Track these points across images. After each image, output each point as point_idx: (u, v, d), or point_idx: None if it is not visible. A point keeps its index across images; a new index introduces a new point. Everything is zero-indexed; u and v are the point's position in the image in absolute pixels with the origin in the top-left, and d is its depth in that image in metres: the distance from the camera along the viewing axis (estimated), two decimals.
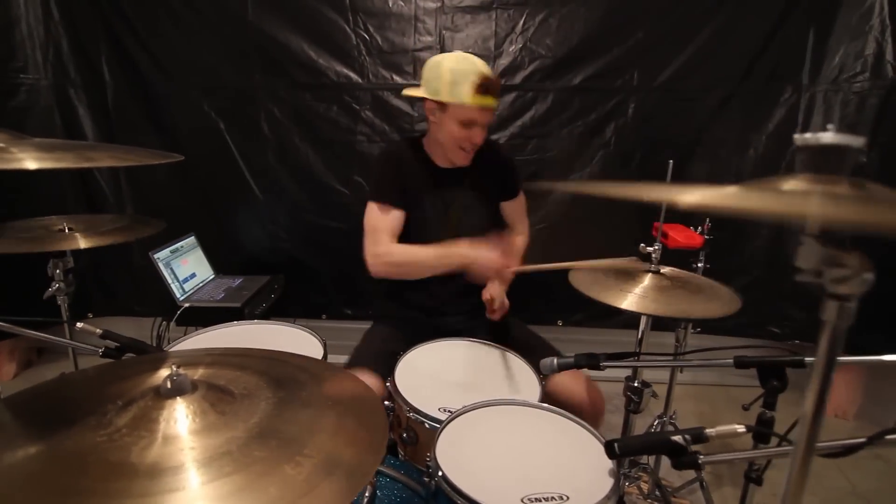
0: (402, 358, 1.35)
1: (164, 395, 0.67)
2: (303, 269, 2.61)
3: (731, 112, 2.36)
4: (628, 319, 2.48)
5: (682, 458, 0.80)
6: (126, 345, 1.07)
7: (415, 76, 2.38)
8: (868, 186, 0.45)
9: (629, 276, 1.25)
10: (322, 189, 2.51)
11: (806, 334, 2.48)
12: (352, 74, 2.39)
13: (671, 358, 1.42)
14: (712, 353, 1.02)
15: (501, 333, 1.51)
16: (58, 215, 1.58)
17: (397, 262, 1.46)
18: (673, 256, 1.45)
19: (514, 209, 1.67)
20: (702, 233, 1.64)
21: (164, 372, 0.76)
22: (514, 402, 1.13)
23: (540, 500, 0.86)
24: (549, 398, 1.23)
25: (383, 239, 1.45)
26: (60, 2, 2.33)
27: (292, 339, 1.46)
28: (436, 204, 1.54)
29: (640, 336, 1.35)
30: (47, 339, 1.06)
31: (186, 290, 2.20)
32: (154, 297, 2.27)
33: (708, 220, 1.68)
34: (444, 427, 1.02)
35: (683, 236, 1.59)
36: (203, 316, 2.08)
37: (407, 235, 1.57)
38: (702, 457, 0.79)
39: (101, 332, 1.07)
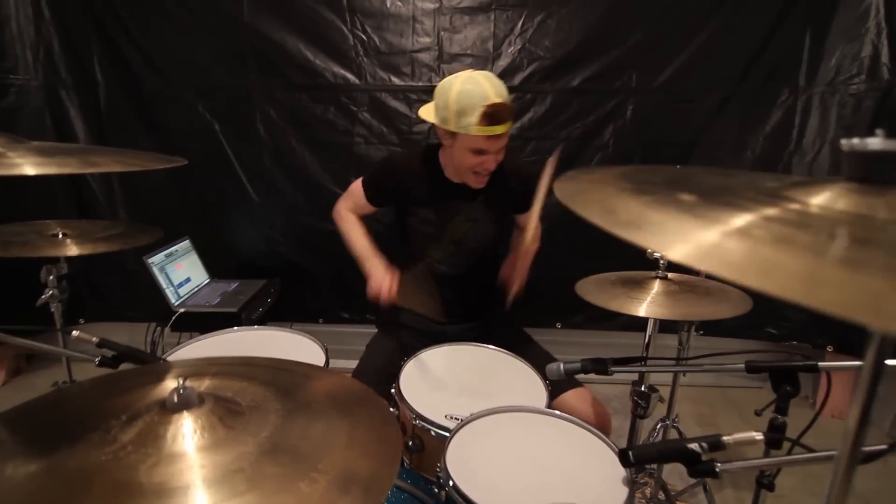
0: (406, 364, 1.33)
1: (170, 409, 0.64)
2: (299, 273, 2.57)
3: (729, 114, 2.36)
4: (627, 322, 2.48)
5: (698, 466, 0.79)
6: (123, 353, 1.04)
7: (413, 77, 2.37)
8: None
9: (638, 284, 1.24)
10: (319, 191, 2.48)
11: (803, 335, 2.49)
12: (349, 75, 2.36)
13: (679, 362, 1.41)
14: (723, 358, 1.01)
15: (502, 338, 1.49)
16: (50, 220, 1.54)
17: (339, 226, 1.64)
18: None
19: (528, 220, 1.64)
20: None
21: (168, 384, 0.74)
22: (522, 408, 1.12)
23: None
24: None
25: (347, 205, 1.65)
26: (51, 1, 2.29)
27: (293, 345, 1.44)
28: (437, 214, 1.52)
29: (646, 340, 1.34)
30: (41, 347, 1.03)
31: (181, 295, 2.17)
32: (148, 303, 2.23)
33: None
34: (453, 435, 1.00)
35: None
36: (199, 321, 2.05)
37: (406, 237, 1.56)
38: (718, 465, 0.77)
39: (97, 340, 1.03)
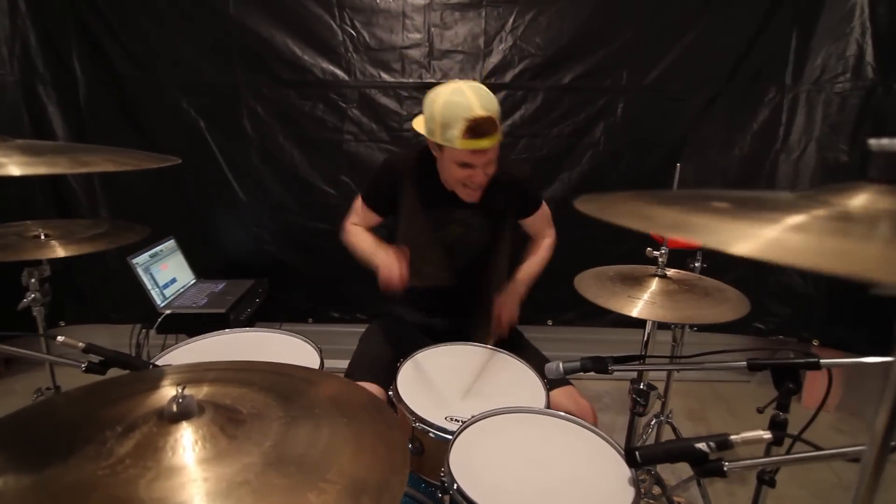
0: (403, 365, 1.31)
1: (168, 418, 0.61)
2: (288, 272, 2.54)
3: (718, 112, 2.38)
4: (618, 318, 2.49)
5: (706, 465, 0.79)
6: (111, 359, 1.01)
7: (403, 74, 2.34)
8: None
9: (636, 282, 1.24)
10: (308, 189, 2.44)
11: (789, 330, 2.54)
12: (338, 72, 2.32)
13: (673, 360, 1.41)
14: (724, 356, 1.01)
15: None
16: (31, 220, 1.48)
17: (348, 241, 1.58)
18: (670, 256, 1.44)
19: (536, 222, 1.62)
20: None
21: (164, 392, 0.71)
22: (523, 409, 1.11)
23: None
24: None
25: (354, 219, 1.61)
26: None
27: (286, 347, 1.40)
28: (433, 219, 1.50)
29: (645, 339, 1.34)
30: (25, 353, 0.99)
31: (167, 296, 2.11)
32: (131, 304, 2.18)
33: None
34: (455, 438, 0.99)
35: None
36: (186, 323, 2.00)
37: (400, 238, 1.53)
38: (727, 464, 0.77)
39: (83, 345, 1.00)
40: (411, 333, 1.56)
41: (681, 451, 0.81)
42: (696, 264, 1.67)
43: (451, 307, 1.59)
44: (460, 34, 2.31)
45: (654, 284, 1.23)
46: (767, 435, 0.76)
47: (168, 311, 2.02)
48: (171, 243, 2.28)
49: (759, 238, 0.42)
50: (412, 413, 1.12)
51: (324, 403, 0.76)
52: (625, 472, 0.91)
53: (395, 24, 2.29)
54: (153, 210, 2.41)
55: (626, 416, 1.45)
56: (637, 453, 0.82)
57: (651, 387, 1.26)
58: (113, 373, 0.98)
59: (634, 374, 1.29)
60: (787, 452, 0.90)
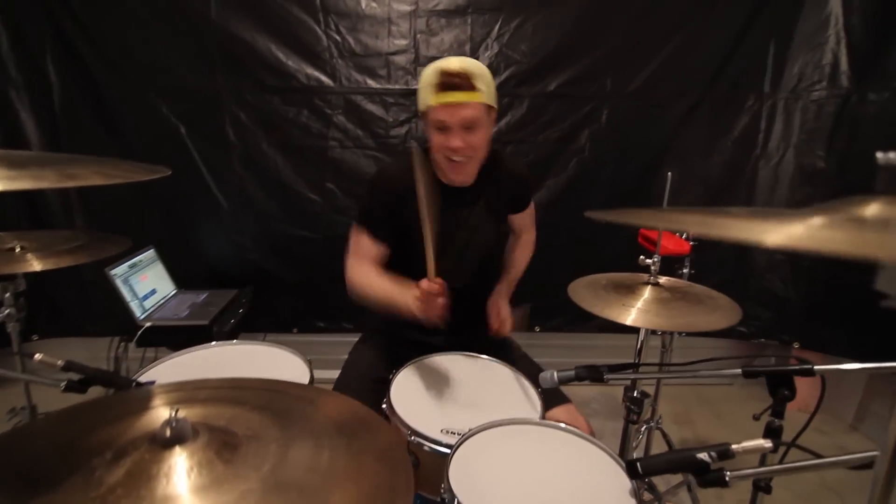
0: (396, 377, 1.29)
1: (160, 443, 0.59)
2: (272, 282, 2.49)
3: (699, 119, 2.42)
4: (605, 323, 2.51)
5: (708, 475, 0.78)
6: (91, 377, 0.96)
7: (389, 80, 2.32)
8: None
9: (630, 290, 1.24)
10: (292, 197, 2.40)
11: (770, 333, 2.58)
12: (323, 77, 2.30)
13: (673, 368, 1.42)
14: (718, 363, 1.01)
15: (484, 345, 1.46)
16: (4, 231, 1.41)
17: (356, 288, 1.39)
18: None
19: (523, 219, 1.60)
20: (687, 239, 1.66)
21: (154, 413, 0.68)
22: (521, 421, 1.09)
23: None
24: None
25: (354, 265, 1.41)
26: None
27: (274, 360, 1.37)
28: (441, 224, 1.46)
29: (639, 346, 1.34)
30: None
31: (147, 307, 2.05)
32: (108, 316, 2.11)
33: None
34: (454, 452, 0.97)
35: (673, 243, 1.61)
36: (167, 336, 1.94)
37: (406, 258, 1.45)
38: (728, 473, 0.77)
39: (62, 363, 0.95)
40: (406, 350, 1.46)
41: (682, 461, 0.81)
42: (685, 270, 1.69)
43: (454, 321, 1.53)
44: (446, 41, 2.31)
45: (647, 292, 1.24)
46: (768, 444, 0.76)
47: (148, 324, 1.95)
48: (150, 253, 2.21)
49: (787, 232, 0.47)
50: (407, 426, 1.10)
51: (322, 423, 0.73)
52: (625, 483, 0.90)
53: (380, 30, 2.27)
54: (131, 219, 2.34)
55: (614, 422, 1.45)
56: (639, 464, 0.81)
57: (644, 394, 1.26)
58: (94, 392, 0.94)
59: (628, 382, 1.29)
60: (783, 458, 0.90)
